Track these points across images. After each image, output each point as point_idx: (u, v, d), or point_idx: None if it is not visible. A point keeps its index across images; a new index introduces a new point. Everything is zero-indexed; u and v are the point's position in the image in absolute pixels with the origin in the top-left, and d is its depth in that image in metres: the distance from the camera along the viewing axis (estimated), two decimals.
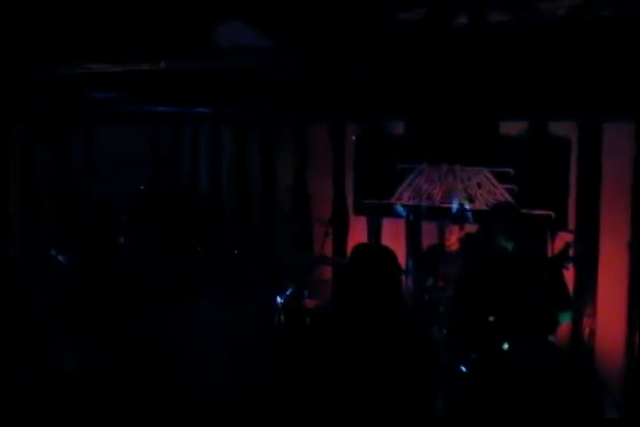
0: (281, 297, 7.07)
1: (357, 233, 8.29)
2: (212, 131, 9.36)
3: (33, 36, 5.49)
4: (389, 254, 4.25)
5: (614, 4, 4.50)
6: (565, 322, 5.63)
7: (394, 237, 7.97)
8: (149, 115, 8.87)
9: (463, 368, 5.32)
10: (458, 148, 5.79)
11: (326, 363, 3.98)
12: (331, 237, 7.92)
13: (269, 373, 4.94)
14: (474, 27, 4.83)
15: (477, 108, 5.20)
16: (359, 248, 4.38)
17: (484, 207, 7.40)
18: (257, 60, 5.93)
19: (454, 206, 7.59)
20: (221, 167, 9.34)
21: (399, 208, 8.01)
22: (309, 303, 7.25)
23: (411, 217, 7.96)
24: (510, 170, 7.32)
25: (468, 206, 7.55)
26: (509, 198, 7.29)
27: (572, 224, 6.98)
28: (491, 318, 5.15)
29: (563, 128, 7.01)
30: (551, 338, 5.37)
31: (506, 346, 5.09)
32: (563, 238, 6.68)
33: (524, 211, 6.49)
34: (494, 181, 7.43)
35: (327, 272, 8.32)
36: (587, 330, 6.85)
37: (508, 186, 7.35)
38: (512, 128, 7.01)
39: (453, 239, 6.98)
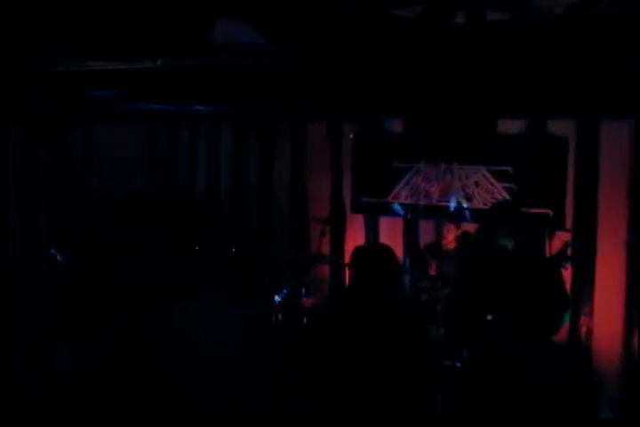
0: (278, 296, 7.06)
1: (355, 232, 8.28)
2: (210, 129, 9.35)
3: (33, 36, 5.47)
4: (389, 253, 4.26)
5: (613, 2, 4.50)
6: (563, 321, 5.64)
7: (391, 235, 7.96)
8: (147, 113, 8.85)
9: (459, 366, 5.33)
10: (456, 146, 5.77)
11: (326, 362, 3.99)
12: (328, 235, 7.92)
13: (269, 372, 4.93)
14: (472, 25, 4.83)
15: (475, 107, 5.19)
16: (359, 249, 4.40)
17: (481, 206, 7.40)
18: (255, 58, 5.91)
19: (452, 205, 7.58)
20: (219, 166, 9.34)
21: (397, 207, 8.01)
22: (307, 302, 7.24)
23: (408, 216, 7.95)
24: (508, 168, 7.32)
25: (465, 205, 7.54)
26: (507, 197, 7.29)
27: (569, 223, 6.97)
28: (489, 317, 5.15)
29: (561, 127, 7.01)
30: (547, 337, 5.38)
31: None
32: (560, 237, 6.70)
33: (522, 209, 6.49)
34: (492, 180, 7.43)
35: (324, 271, 8.32)
36: (584, 329, 6.85)
37: (506, 184, 7.34)
38: (510, 127, 7.00)
39: (451, 238, 6.98)
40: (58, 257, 6.66)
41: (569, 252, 6.20)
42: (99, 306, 5.00)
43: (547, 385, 4.97)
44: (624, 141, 6.61)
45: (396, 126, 7.82)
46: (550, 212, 7.06)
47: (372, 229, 8.21)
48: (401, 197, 7.99)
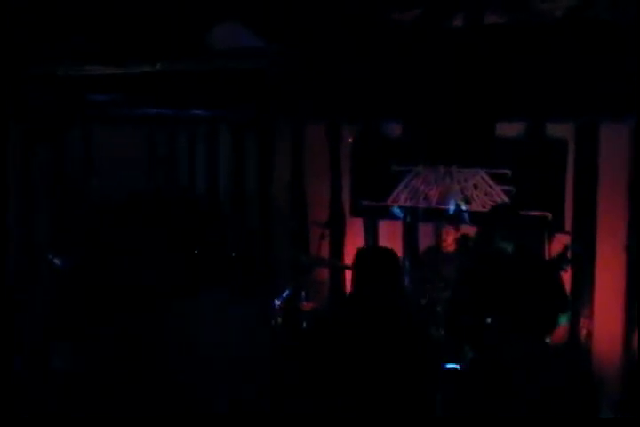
0: (278, 299, 7.05)
1: (354, 235, 8.28)
2: (209, 132, 9.36)
3: (33, 36, 5.48)
4: (391, 256, 4.26)
5: (611, 5, 4.51)
6: (563, 323, 5.63)
7: (390, 238, 7.96)
8: (146, 117, 8.86)
9: (459, 368, 5.33)
10: (455, 149, 5.80)
11: (326, 364, 3.98)
12: (327, 238, 7.91)
13: (269, 373, 4.93)
14: (471, 28, 4.84)
15: (474, 110, 5.21)
16: (361, 251, 4.40)
17: (480, 209, 7.40)
18: (253, 62, 5.93)
19: (451, 208, 7.58)
20: (218, 168, 9.34)
21: (396, 210, 8.01)
22: (306, 306, 7.22)
23: (408, 219, 7.95)
24: (507, 171, 7.32)
25: (464, 208, 7.55)
26: (506, 200, 7.29)
27: (568, 225, 6.97)
28: (488, 319, 5.14)
29: (560, 129, 7.02)
30: (547, 339, 5.37)
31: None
32: (560, 240, 6.69)
33: (521, 212, 6.49)
34: (491, 183, 7.43)
35: (324, 274, 8.31)
36: (584, 331, 6.85)
37: (505, 187, 7.35)
38: (509, 129, 7.01)
39: (450, 240, 6.97)
40: (55, 261, 6.66)
41: (568, 254, 6.18)
42: (98, 306, 5.00)
43: (546, 387, 4.97)
44: (623, 143, 6.61)
45: (395, 130, 7.83)
46: (549, 214, 7.07)
47: (371, 233, 8.21)
48: (400, 200, 7.99)
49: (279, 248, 8.68)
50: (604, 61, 5.11)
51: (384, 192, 8.07)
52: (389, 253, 4.30)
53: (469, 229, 6.96)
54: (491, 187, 7.43)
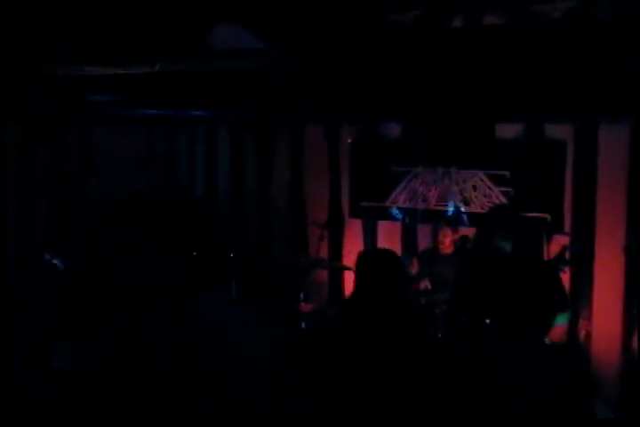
0: (277, 300, 7.05)
1: (353, 236, 8.29)
2: (208, 132, 9.37)
3: (33, 36, 5.48)
4: (392, 258, 4.25)
5: (611, 5, 4.52)
6: (562, 323, 5.63)
7: (389, 239, 7.97)
8: (146, 117, 8.87)
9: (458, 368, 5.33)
10: (454, 150, 5.80)
11: (327, 364, 3.98)
12: (326, 240, 7.91)
13: (270, 373, 4.93)
14: (470, 29, 4.85)
15: (473, 111, 5.21)
16: (364, 254, 4.40)
17: (479, 210, 7.41)
18: (252, 63, 5.93)
19: (450, 209, 7.59)
20: (218, 169, 9.34)
21: (395, 211, 8.02)
22: (305, 307, 7.22)
23: (406, 220, 7.96)
24: (506, 173, 7.33)
25: (463, 209, 7.56)
26: (505, 201, 7.30)
27: (567, 226, 6.97)
28: (487, 321, 5.15)
29: (559, 131, 7.02)
30: (545, 339, 5.38)
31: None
32: (559, 241, 6.70)
33: (520, 213, 6.49)
34: (490, 184, 7.44)
35: (323, 276, 8.32)
36: (583, 332, 6.85)
37: (504, 189, 7.35)
38: (508, 131, 7.02)
39: (447, 242, 6.96)
40: (55, 261, 6.66)
41: (567, 255, 6.19)
42: (98, 306, 5.00)
43: (545, 387, 4.97)
44: (622, 144, 6.61)
45: (394, 131, 7.84)
46: (548, 215, 7.07)
47: (370, 234, 8.22)
48: (399, 201, 8.00)
49: (278, 248, 8.69)
50: (603, 62, 5.12)
51: (383, 193, 8.08)
52: (391, 254, 4.30)
53: (468, 231, 6.97)
54: (489, 188, 7.43)
